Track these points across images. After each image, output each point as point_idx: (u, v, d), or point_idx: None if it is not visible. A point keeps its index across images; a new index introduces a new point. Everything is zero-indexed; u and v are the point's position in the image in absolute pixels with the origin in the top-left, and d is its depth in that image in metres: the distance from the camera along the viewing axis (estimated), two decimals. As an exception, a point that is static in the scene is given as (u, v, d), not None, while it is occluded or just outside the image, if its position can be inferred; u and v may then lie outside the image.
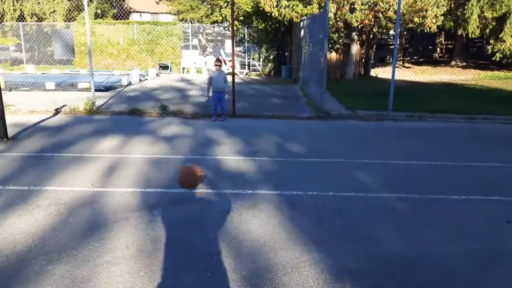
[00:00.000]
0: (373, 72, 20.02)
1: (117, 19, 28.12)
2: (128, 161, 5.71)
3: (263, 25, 19.26)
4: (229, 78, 9.20)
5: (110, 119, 8.84)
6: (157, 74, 18.16)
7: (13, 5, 21.40)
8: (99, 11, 31.62)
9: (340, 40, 17.09)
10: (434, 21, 15.32)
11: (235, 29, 13.12)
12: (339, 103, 11.09)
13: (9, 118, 7.99)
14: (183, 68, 20.36)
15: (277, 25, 18.75)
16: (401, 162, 5.86)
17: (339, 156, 6.08)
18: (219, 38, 24.40)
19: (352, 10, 15.01)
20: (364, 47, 19.29)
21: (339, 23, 15.56)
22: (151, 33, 20.47)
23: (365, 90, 13.81)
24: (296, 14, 15.35)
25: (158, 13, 38.12)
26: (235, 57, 10.13)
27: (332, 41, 16.39)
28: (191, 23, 26.54)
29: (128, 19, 35.39)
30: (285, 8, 15.54)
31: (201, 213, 4.03)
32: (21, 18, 21.80)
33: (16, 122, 8.10)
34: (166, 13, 35.86)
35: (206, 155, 6.06)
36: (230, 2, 12.80)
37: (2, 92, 12.29)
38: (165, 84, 13.54)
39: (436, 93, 13.62)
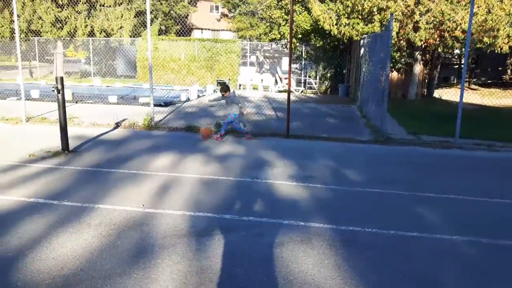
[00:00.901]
0: (437, 93, 19.02)
1: (180, 35, 29.19)
2: (180, 181, 5.67)
3: (321, 43, 19.02)
4: (285, 95, 9.02)
5: (167, 135, 8.96)
6: (214, 91, 18.44)
7: (85, 22, 22.83)
8: (163, 27, 33.04)
9: (402, 60, 16.43)
10: (506, 41, 14.24)
11: (292, 46, 13.01)
12: (400, 126, 10.53)
13: (72, 130, 8.36)
14: (240, 85, 20.54)
15: (335, 43, 18.44)
16: (470, 198, 5.31)
17: (401, 188, 5.64)
18: (276, 55, 24.48)
19: (416, 29, 14.37)
20: (427, 67, 18.43)
21: (401, 42, 14.95)
22: (211, 50, 20.91)
23: (428, 113, 13.08)
24: (356, 32, 14.94)
25: (218, 30, 39.16)
26: (291, 75, 9.96)
27: (394, 60, 15.77)
28: (250, 40, 26.86)
29: (190, 35, 36.64)
30: (345, 26, 15.19)
31: (250, 244, 3.82)
32: (91, 33, 23.21)
33: (79, 135, 8.43)
34: (227, 30, 36.72)
35: (257, 178, 5.88)
36: (289, 20, 12.72)
37: (70, 104, 12.96)
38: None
39: (507, 119, 12.58)
